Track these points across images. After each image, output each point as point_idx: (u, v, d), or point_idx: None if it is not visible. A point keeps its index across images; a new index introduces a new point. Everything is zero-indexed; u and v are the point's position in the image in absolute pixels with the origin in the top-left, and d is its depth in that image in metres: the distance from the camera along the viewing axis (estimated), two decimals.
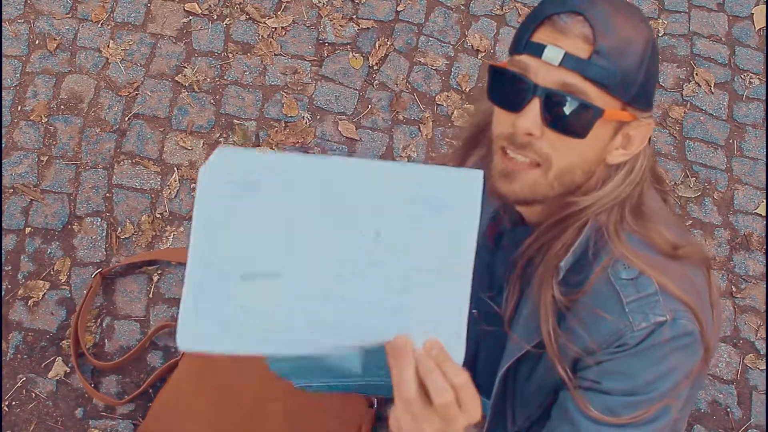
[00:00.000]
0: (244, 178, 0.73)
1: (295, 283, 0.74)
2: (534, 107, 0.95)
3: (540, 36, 0.95)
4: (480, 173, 0.77)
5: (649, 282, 1.01)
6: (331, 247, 0.74)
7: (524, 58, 0.96)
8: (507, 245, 1.13)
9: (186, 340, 0.72)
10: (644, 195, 1.04)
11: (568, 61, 0.93)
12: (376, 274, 0.75)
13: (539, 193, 1.01)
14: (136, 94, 2.20)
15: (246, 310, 0.74)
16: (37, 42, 2.25)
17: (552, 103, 0.95)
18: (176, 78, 2.23)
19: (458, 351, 0.75)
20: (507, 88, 0.98)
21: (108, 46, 2.25)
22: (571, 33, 0.93)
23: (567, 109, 0.94)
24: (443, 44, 2.35)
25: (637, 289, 1.01)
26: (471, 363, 1.46)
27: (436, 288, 0.76)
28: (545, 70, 0.94)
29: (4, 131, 2.12)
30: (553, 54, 0.93)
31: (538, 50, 0.94)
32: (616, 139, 1.00)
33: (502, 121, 1.00)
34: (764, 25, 2.47)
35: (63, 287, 1.97)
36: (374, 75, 2.29)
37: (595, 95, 0.94)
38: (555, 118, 0.95)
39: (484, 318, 1.29)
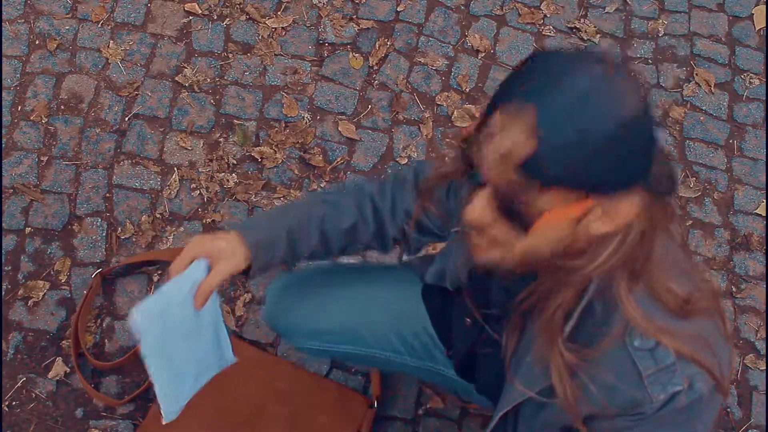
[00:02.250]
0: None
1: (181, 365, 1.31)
2: (482, 196, 0.91)
3: (492, 123, 0.88)
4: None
5: (667, 352, 0.98)
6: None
7: (480, 141, 0.91)
8: (504, 274, 1.08)
9: (169, 416, 1.28)
10: (653, 251, 0.96)
11: (514, 156, 0.85)
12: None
13: (510, 266, 0.97)
14: (136, 94, 2.20)
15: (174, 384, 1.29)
16: (37, 42, 2.25)
17: (497, 195, 0.90)
18: (176, 78, 2.23)
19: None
20: (466, 166, 0.95)
21: (108, 46, 2.25)
22: (516, 126, 0.85)
23: (511, 204, 0.89)
24: (443, 44, 2.35)
25: (655, 360, 0.98)
26: (470, 375, 1.47)
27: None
28: (492, 161, 0.88)
29: (4, 131, 2.13)
30: (497, 147, 0.86)
31: (489, 138, 0.88)
32: (592, 213, 0.90)
33: None
34: (764, 25, 2.47)
35: (63, 287, 1.97)
36: (374, 75, 2.29)
37: (539, 192, 0.87)
38: (503, 209, 0.90)
39: (483, 340, 1.29)
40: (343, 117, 2.23)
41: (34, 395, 1.87)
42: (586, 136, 0.83)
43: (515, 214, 0.90)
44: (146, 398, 1.86)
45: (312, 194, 1.35)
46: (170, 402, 1.28)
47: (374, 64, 2.30)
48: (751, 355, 2.04)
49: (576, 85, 0.83)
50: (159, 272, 1.99)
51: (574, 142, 0.83)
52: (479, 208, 0.92)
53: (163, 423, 1.27)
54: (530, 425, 1.15)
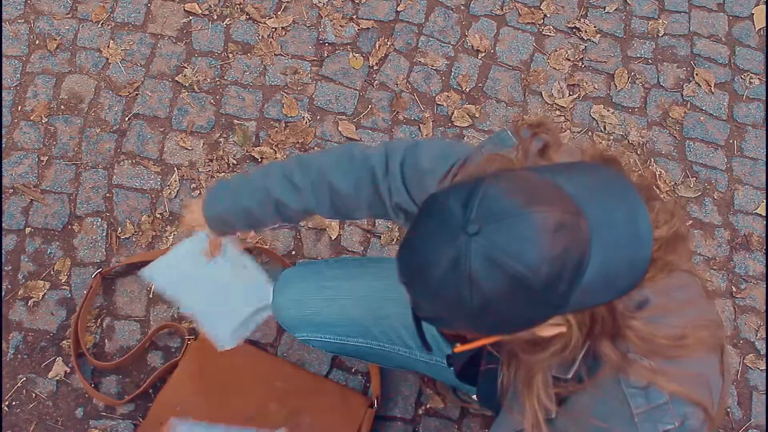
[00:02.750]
0: None
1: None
2: None
3: None
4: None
5: (660, 392, 0.98)
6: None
7: None
8: None
9: (223, 346, 1.57)
10: (628, 319, 0.97)
11: None
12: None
13: None
14: (137, 94, 2.20)
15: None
16: (37, 42, 2.25)
17: None
18: (176, 78, 2.23)
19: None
20: None
21: (108, 46, 2.25)
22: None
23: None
24: (443, 44, 2.35)
25: (647, 399, 0.98)
26: (472, 381, 1.47)
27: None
28: None
29: (4, 131, 2.13)
30: None
31: None
32: (527, 332, 0.95)
33: None
34: (764, 25, 2.47)
35: (63, 287, 1.97)
36: (374, 75, 2.29)
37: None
38: None
39: (487, 353, 1.29)
40: (343, 117, 2.23)
41: (34, 395, 1.87)
42: (448, 314, 0.92)
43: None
44: (146, 398, 1.86)
45: (273, 167, 1.37)
46: (221, 333, 1.58)
47: (374, 64, 2.30)
48: (751, 355, 2.04)
49: (432, 276, 0.89)
50: None
51: (443, 316, 0.93)
52: None
53: (218, 351, 1.58)
54: None
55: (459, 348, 1.02)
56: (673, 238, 0.97)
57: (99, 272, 1.95)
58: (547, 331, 0.94)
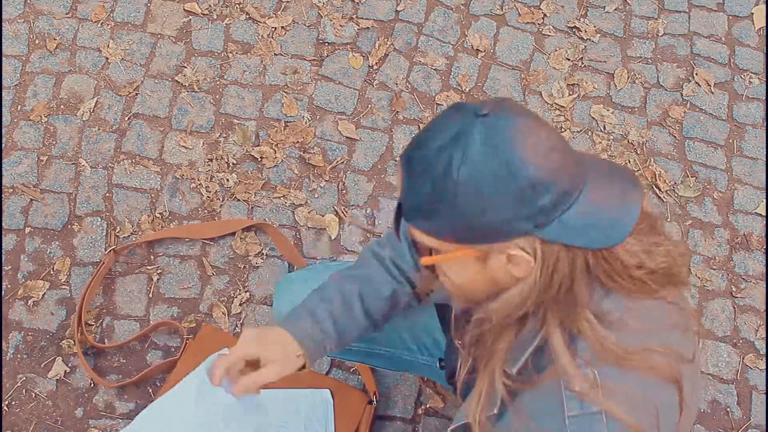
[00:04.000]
0: None
1: None
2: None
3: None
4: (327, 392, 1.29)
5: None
6: None
7: None
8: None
9: None
10: (579, 300, 0.99)
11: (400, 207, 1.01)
12: None
13: (456, 302, 1.10)
14: (136, 94, 2.20)
15: None
16: (37, 42, 2.25)
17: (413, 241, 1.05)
18: (176, 78, 2.23)
19: None
20: None
21: (108, 46, 2.25)
22: (398, 178, 1.00)
23: (416, 246, 1.06)
24: (443, 44, 2.35)
25: (581, 406, 0.98)
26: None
27: None
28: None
29: (4, 131, 2.13)
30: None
31: None
32: (495, 259, 0.97)
33: None
34: (764, 25, 2.47)
35: (63, 287, 1.97)
36: (374, 75, 2.29)
37: (420, 234, 0.99)
38: (417, 253, 1.06)
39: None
40: (343, 116, 2.23)
41: (34, 395, 1.87)
42: (431, 194, 0.93)
43: (421, 255, 1.03)
44: (147, 398, 1.86)
45: (339, 273, 1.35)
46: None
47: (374, 63, 2.30)
48: (751, 354, 2.04)
49: (431, 146, 0.93)
50: (159, 272, 2.00)
51: (425, 200, 0.94)
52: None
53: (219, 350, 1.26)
54: None
55: (426, 260, 1.03)
56: (666, 273, 1.01)
57: (113, 249, 1.96)
58: (513, 250, 0.94)
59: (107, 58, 2.24)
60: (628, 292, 0.99)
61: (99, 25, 2.28)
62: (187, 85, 2.22)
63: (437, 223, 0.95)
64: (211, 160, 2.13)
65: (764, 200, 2.23)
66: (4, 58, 2.21)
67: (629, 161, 2.23)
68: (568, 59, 2.36)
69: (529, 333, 1.02)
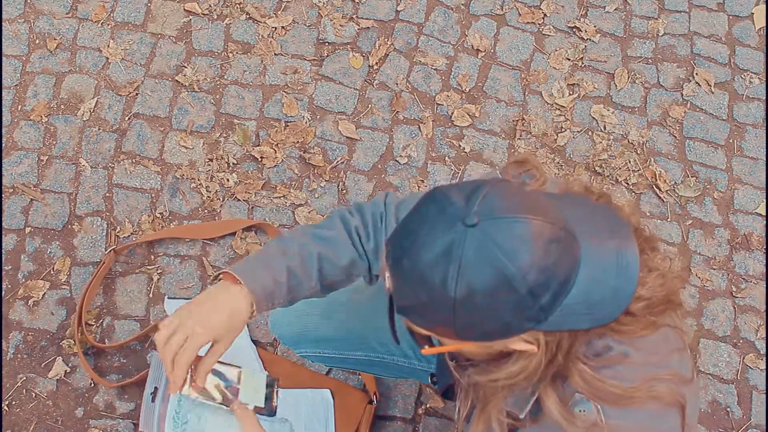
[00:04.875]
0: None
1: None
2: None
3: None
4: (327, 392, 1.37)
5: None
6: None
7: None
8: None
9: None
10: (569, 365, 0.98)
11: None
12: None
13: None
14: (137, 94, 2.20)
15: None
16: (37, 42, 2.25)
17: None
18: (176, 78, 2.23)
19: None
20: None
21: (108, 46, 2.25)
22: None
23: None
24: (443, 44, 2.35)
25: None
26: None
27: None
28: None
29: (4, 131, 2.13)
30: None
31: None
32: (498, 345, 0.97)
33: None
34: (764, 24, 2.47)
35: (63, 287, 1.97)
36: (374, 75, 2.29)
37: (420, 329, 0.98)
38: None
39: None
40: (343, 116, 2.23)
41: (34, 395, 1.87)
42: (428, 302, 0.91)
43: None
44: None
45: (303, 229, 1.30)
46: None
47: (374, 63, 2.30)
48: (751, 354, 2.04)
49: (422, 258, 0.90)
50: (159, 272, 1.99)
51: (422, 305, 0.92)
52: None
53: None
54: None
55: (427, 351, 1.03)
56: (663, 301, 0.99)
57: (113, 249, 1.96)
58: (518, 345, 0.95)
59: (107, 58, 2.24)
60: (632, 335, 0.97)
61: (99, 25, 2.28)
62: (187, 84, 2.22)
63: (435, 323, 0.94)
64: (211, 160, 2.13)
65: (764, 200, 2.23)
66: (4, 58, 2.21)
67: (629, 161, 2.23)
68: (569, 59, 2.36)
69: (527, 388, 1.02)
